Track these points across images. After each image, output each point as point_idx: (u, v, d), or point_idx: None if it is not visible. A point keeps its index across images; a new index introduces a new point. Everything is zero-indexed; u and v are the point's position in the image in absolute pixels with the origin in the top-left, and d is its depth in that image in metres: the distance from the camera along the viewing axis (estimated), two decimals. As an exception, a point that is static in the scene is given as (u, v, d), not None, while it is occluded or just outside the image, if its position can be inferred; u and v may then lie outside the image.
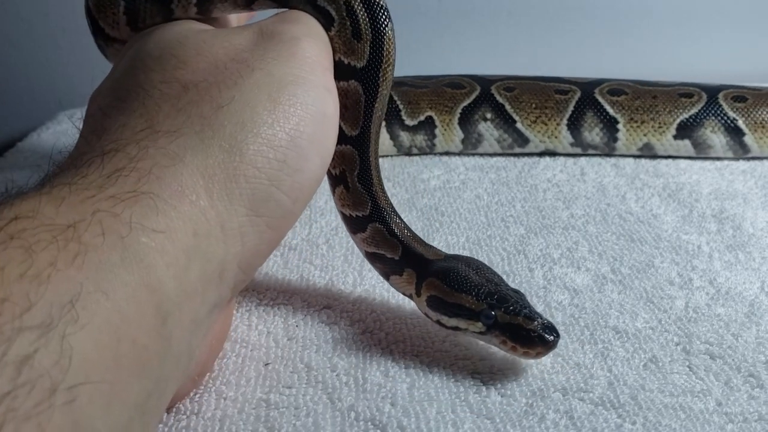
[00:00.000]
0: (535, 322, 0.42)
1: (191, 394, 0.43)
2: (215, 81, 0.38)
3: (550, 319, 0.44)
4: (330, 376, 0.45)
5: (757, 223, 0.66)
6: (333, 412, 0.41)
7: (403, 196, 0.73)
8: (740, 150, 0.82)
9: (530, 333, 0.42)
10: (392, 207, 0.50)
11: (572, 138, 0.83)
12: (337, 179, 0.49)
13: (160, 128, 0.36)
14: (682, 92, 0.82)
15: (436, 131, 0.83)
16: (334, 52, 0.45)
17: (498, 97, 0.82)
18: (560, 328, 0.49)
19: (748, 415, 0.41)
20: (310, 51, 0.41)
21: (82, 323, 0.27)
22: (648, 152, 0.83)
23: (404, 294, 0.50)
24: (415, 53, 1.10)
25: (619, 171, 0.79)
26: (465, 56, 1.14)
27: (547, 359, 0.46)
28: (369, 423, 0.41)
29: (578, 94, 0.82)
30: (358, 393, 0.43)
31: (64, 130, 0.96)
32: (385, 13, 0.45)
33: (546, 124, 0.82)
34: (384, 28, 0.45)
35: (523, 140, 0.83)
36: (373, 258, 0.50)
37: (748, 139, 0.81)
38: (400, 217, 0.50)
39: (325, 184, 0.49)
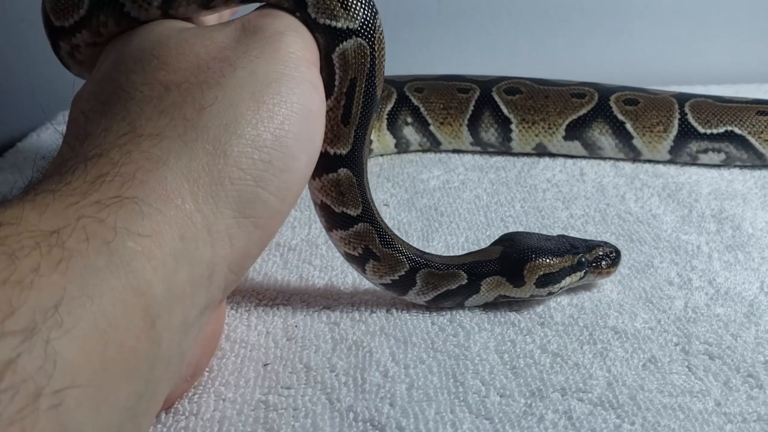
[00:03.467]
0: (605, 246, 0.54)
1: (190, 394, 0.43)
2: (197, 81, 0.37)
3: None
4: (329, 376, 0.45)
5: (757, 223, 0.66)
6: (332, 413, 0.42)
7: (402, 196, 0.73)
8: (630, 152, 0.81)
9: (610, 255, 0.53)
10: (420, 249, 0.51)
11: (471, 138, 0.84)
12: (363, 257, 0.49)
13: (143, 132, 0.35)
14: (575, 92, 0.82)
15: (372, 136, 0.83)
16: (323, 141, 0.44)
17: (413, 100, 0.83)
18: (559, 329, 0.50)
19: (747, 415, 0.41)
20: (294, 46, 0.40)
21: (66, 328, 0.27)
22: (542, 151, 0.84)
23: (488, 302, 0.52)
24: (414, 53, 1.11)
25: (618, 171, 0.79)
26: (465, 57, 1.14)
27: (546, 359, 0.46)
28: (368, 423, 0.41)
29: (477, 93, 0.82)
30: (357, 393, 0.43)
31: (64, 131, 0.96)
32: (376, 105, 0.45)
33: (451, 125, 0.83)
34: (371, 116, 0.46)
35: (437, 142, 0.85)
36: (440, 299, 0.51)
37: (637, 142, 0.80)
38: (424, 252, 0.51)
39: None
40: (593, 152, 0.82)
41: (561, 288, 0.52)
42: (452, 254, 0.61)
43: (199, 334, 0.37)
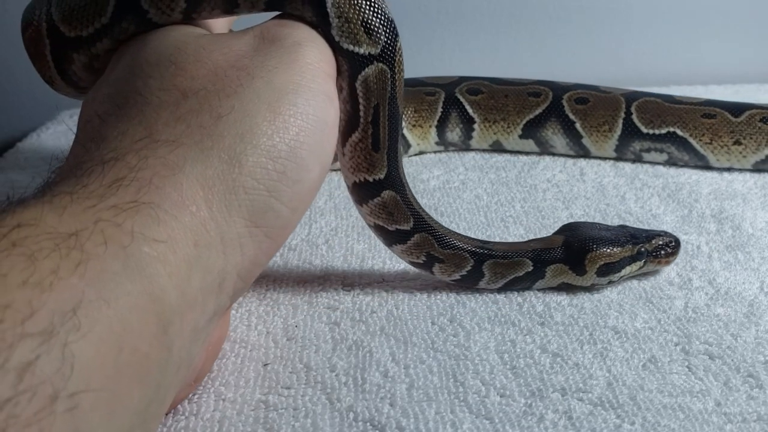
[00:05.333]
0: (663, 236, 0.55)
1: (190, 395, 0.43)
2: (215, 89, 0.37)
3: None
4: (329, 376, 0.45)
5: (757, 223, 0.66)
6: (332, 413, 0.42)
7: (402, 197, 0.73)
8: (580, 150, 0.83)
9: (669, 244, 0.55)
10: (480, 240, 0.53)
11: (438, 138, 0.85)
12: (428, 263, 0.51)
13: (159, 137, 0.35)
14: (531, 91, 0.83)
15: None
16: (357, 171, 0.47)
17: None
18: (559, 328, 0.50)
19: (747, 415, 0.41)
20: (311, 57, 0.40)
21: (83, 331, 0.27)
22: (497, 147, 0.86)
23: (552, 288, 0.54)
24: (414, 54, 1.10)
25: (618, 171, 0.79)
26: (465, 57, 1.14)
27: (546, 359, 0.46)
28: (368, 424, 0.41)
29: (443, 95, 0.84)
30: (357, 393, 0.43)
31: (64, 131, 0.96)
32: (401, 122, 0.47)
33: (422, 127, 0.84)
34: (398, 134, 0.47)
35: (407, 145, 0.85)
36: (510, 285, 0.53)
37: (585, 141, 0.82)
38: (487, 241, 0.54)
39: (323, 187, 0.50)
40: (545, 149, 0.84)
41: (621, 277, 0.54)
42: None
43: (206, 340, 0.37)
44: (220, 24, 0.47)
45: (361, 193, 0.48)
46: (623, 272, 0.54)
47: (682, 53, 1.15)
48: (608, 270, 0.53)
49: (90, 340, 0.27)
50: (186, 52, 0.39)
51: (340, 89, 0.44)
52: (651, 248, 0.54)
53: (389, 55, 0.44)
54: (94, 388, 0.27)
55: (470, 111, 0.84)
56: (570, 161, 0.82)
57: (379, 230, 0.50)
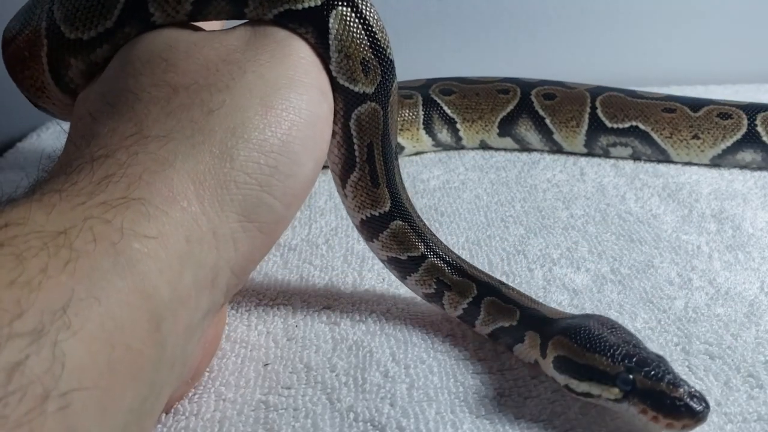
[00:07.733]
0: (681, 389, 0.37)
1: (190, 394, 0.43)
2: (206, 83, 0.37)
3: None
4: (329, 376, 0.45)
5: (757, 223, 0.66)
6: (332, 413, 0.41)
7: (402, 197, 0.73)
8: (554, 146, 0.84)
9: (675, 401, 0.37)
10: (489, 276, 0.49)
11: (432, 140, 0.86)
12: (438, 292, 0.49)
13: (150, 133, 0.35)
14: (500, 89, 0.85)
15: None
16: (362, 209, 0.47)
17: None
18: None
19: (747, 415, 0.41)
20: (304, 51, 0.40)
21: (74, 329, 0.27)
22: (486, 146, 0.87)
23: (527, 362, 0.45)
24: (414, 54, 1.10)
25: (618, 171, 0.79)
26: (465, 57, 1.13)
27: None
28: (368, 424, 0.41)
29: (420, 98, 0.85)
30: (358, 393, 0.43)
31: (64, 131, 0.96)
32: (394, 154, 0.47)
33: (410, 130, 0.85)
34: (394, 165, 0.47)
35: (400, 147, 0.86)
36: (496, 334, 0.47)
37: (557, 137, 0.83)
38: (503, 282, 0.49)
39: (320, 186, 0.50)
40: (524, 146, 0.86)
41: (583, 393, 0.40)
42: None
43: (201, 337, 0.37)
44: (213, 22, 0.47)
45: (371, 228, 0.48)
46: (585, 386, 0.40)
47: (682, 53, 1.15)
48: (565, 366, 0.41)
49: (81, 339, 0.27)
50: (177, 49, 0.39)
51: (333, 134, 0.44)
52: (643, 386, 0.38)
53: (383, 95, 0.44)
54: (86, 386, 0.26)
55: (448, 111, 0.85)
56: (570, 161, 0.82)
57: (393, 263, 0.49)
